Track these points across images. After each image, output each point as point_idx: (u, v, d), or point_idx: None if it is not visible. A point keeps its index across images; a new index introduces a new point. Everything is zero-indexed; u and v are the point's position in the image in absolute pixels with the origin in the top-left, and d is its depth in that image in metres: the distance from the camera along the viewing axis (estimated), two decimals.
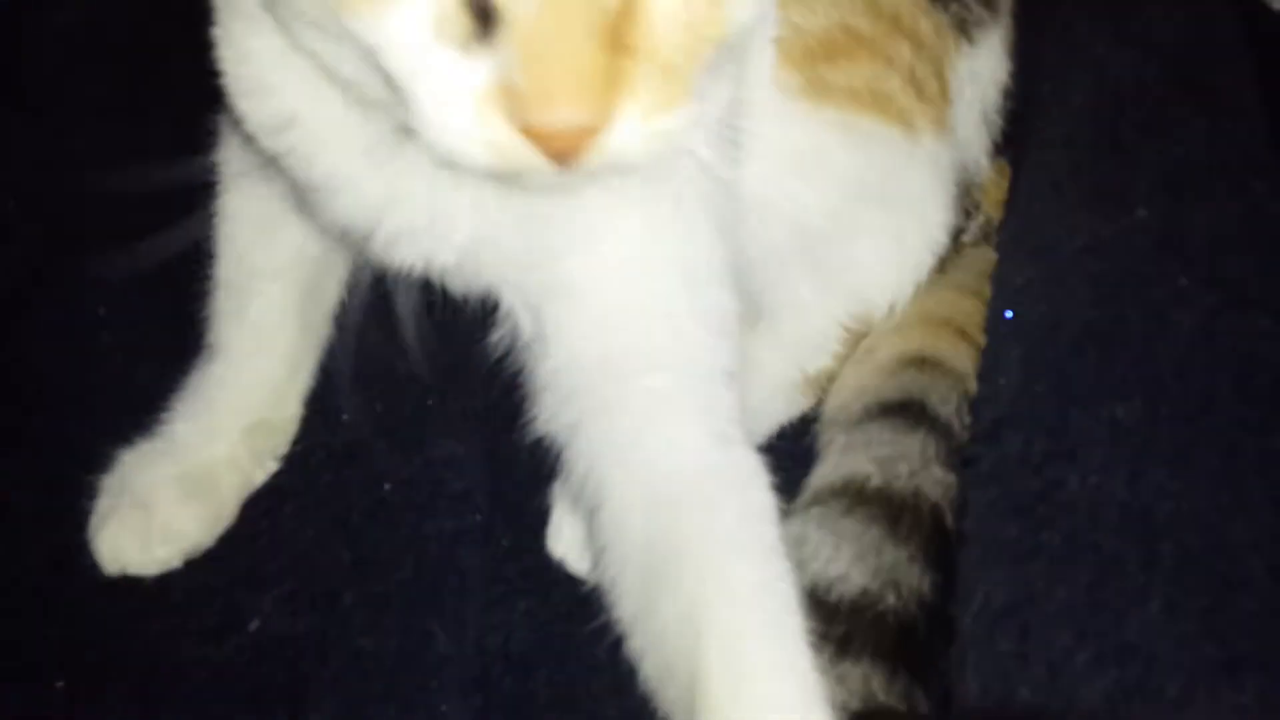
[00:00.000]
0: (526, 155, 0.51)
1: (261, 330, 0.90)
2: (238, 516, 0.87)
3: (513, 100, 0.50)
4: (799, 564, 0.74)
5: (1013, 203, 0.93)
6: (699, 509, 0.67)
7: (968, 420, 0.82)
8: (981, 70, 0.87)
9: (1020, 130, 0.95)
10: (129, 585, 0.83)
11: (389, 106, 0.56)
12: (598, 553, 0.72)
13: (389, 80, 0.53)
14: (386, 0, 0.51)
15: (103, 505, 0.84)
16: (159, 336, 0.93)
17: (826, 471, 0.82)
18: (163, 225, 0.91)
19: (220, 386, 0.89)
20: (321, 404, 0.91)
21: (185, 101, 0.86)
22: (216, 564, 0.84)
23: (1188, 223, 0.79)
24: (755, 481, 0.69)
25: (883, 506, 0.78)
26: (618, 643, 0.83)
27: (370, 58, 0.53)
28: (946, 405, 0.83)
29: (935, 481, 0.79)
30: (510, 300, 0.75)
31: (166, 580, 0.83)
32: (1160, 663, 0.64)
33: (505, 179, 0.56)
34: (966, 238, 0.92)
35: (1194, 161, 0.82)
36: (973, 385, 0.83)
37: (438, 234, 0.69)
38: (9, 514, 0.86)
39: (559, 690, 0.82)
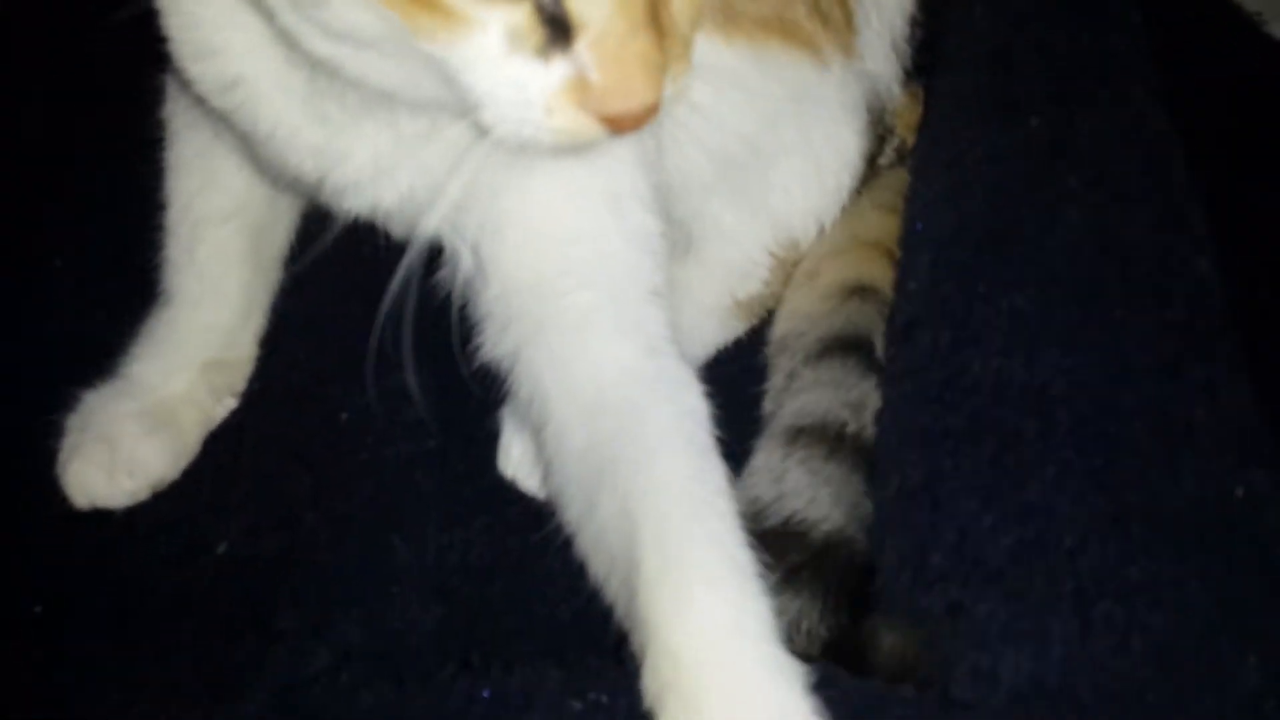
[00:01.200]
0: (593, 133, 0.58)
1: (211, 273, 0.94)
2: (201, 451, 0.90)
3: (588, 94, 0.57)
4: (779, 497, 0.80)
5: (924, 123, 0.98)
6: (632, 413, 0.72)
7: None
8: (887, 2, 0.92)
9: (930, 56, 1.01)
10: (99, 518, 0.86)
11: (442, 108, 0.62)
12: (545, 465, 0.77)
13: (463, 91, 0.58)
14: (467, 23, 0.56)
15: (68, 442, 0.87)
16: (113, 286, 0.97)
17: (800, 406, 0.86)
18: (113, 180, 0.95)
19: (175, 328, 0.93)
20: (278, 344, 0.96)
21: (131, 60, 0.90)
22: (182, 495, 0.88)
23: (1075, 129, 0.85)
24: (685, 387, 0.74)
25: (861, 454, 0.83)
26: (568, 551, 0.89)
27: (441, 73, 0.58)
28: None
29: None
30: (451, 239, 0.80)
31: (135, 512, 0.87)
32: (1057, 518, 0.69)
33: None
34: (883, 160, 0.97)
35: (1080, 73, 0.88)
36: None
37: (380, 183, 0.74)
38: None
39: (515, 597, 0.86)
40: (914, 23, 0.98)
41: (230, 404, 0.94)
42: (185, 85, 0.82)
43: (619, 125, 0.58)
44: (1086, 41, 0.90)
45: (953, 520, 0.72)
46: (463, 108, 0.60)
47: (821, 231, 0.96)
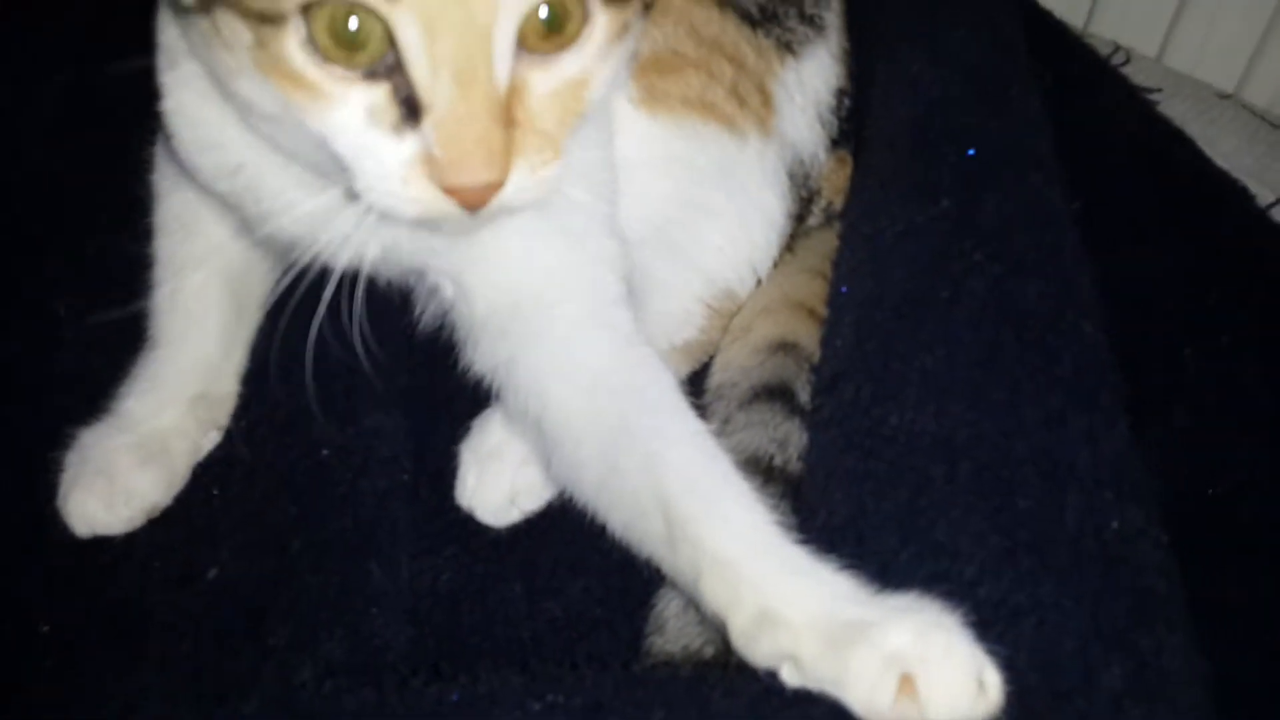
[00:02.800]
0: (444, 206, 0.69)
1: (193, 316, 1.01)
2: (192, 483, 0.97)
3: (434, 167, 0.67)
4: None
5: (850, 199, 1.10)
6: (630, 388, 0.86)
7: None
8: (810, 79, 1.05)
9: (858, 125, 1.13)
10: (98, 545, 0.93)
11: (334, 174, 0.73)
12: (549, 450, 0.90)
13: (335, 158, 0.69)
14: (331, 99, 0.67)
15: (68, 476, 0.94)
16: (111, 331, 1.02)
17: (735, 444, 0.96)
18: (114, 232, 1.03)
19: (162, 367, 1.00)
20: (261, 383, 1.04)
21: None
22: (175, 524, 0.95)
23: (980, 208, 0.96)
24: (659, 366, 0.89)
25: (788, 483, 0.94)
26: (529, 580, 0.99)
27: (320, 142, 0.69)
28: (805, 392, 1.00)
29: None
30: (433, 273, 0.91)
31: (132, 539, 0.94)
32: (961, 554, 0.80)
33: (426, 224, 0.74)
34: (812, 221, 1.09)
35: (986, 159, 1.00)
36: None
37: (364, 241, 0.84)
38: None
39: (480, 620, 0.96)
40: (841, 94, 1.11)
41: (215, 437, 1.01)
42: (173, 159, 0.92)
43: (463, 198, 0.68)
44: (992, 130, 1.02)
45: (875, 554, 0.82)
46: (340, 173, 0.71)
47: (758, 284, 1.07)
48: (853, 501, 0.86)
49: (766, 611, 0.75)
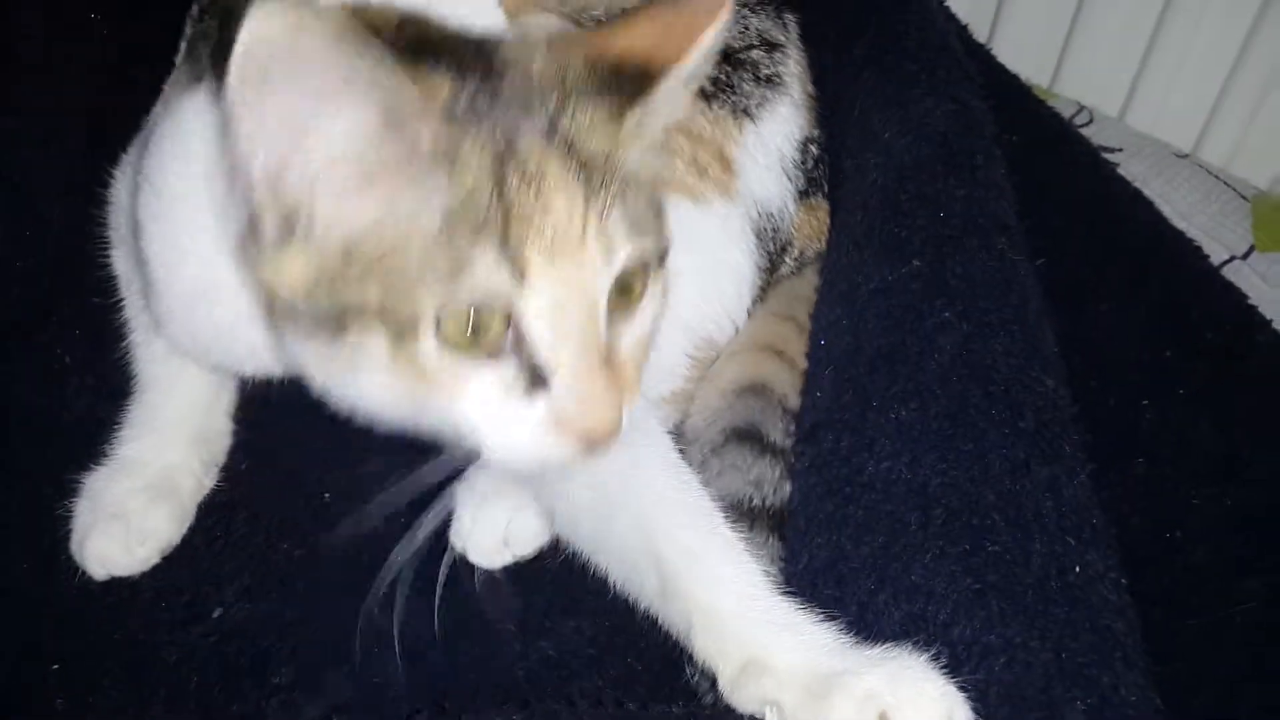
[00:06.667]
0: (572, 454, 0.75)
1: (172, 359, 1.05)
2: (197, 525, 1.01)
3: (565, 422, 0.73)
4: None
5: (827, 256, 1.16)
6: (621, 450, 0.86)
7: (792, 431, 1.05)
8: (772, 137, 1.11)
9: (833, 193, 1.19)
10: (107, 587, 0.97)
11: (437, 437, 0.79)
12: (544, 504, 0.96)
13: (460, 430, 0.75)
14: (465, 383, 0.73)
15: (81, 523, 0.98)
16: (117, 379, 1.07)
17: (713, 491, 0.97)
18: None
19: (156, 410, 1.04)
20: (264, 428, 1.08)
21: None
22: (182, 565, 0.99)
23: (949, 270, 1.02)
24: (649, 420, 0.94)
25: (771, 519, 0.99)
26: (523, 620, 1.02)
27: (445, 421, 0.75)
28: (776, 431, 1.05)
29: (785, 494, 1.02)
30: None
31: (139, 581, 0.98)
32: (934, 596, 0.85)
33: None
34: (784, 270, 1.15)
35: (955, 223, 1.06)
36: (791, 400, 1.06)
37: None
38: (2, 533, 0.99)
39: (476, 659, 0.99)
40: (807, 143, 1.16)
41: (215, 475, 1.05)
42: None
43: (590, 443, 0.74)
44: (960, 195, 1.07)
45: (854, 596, 0.88)
46: (463, 440, 0.76)
47: (736, 332, 1.13)
48: (832, 546, 0.92)
49: (752, 662, 0.81)
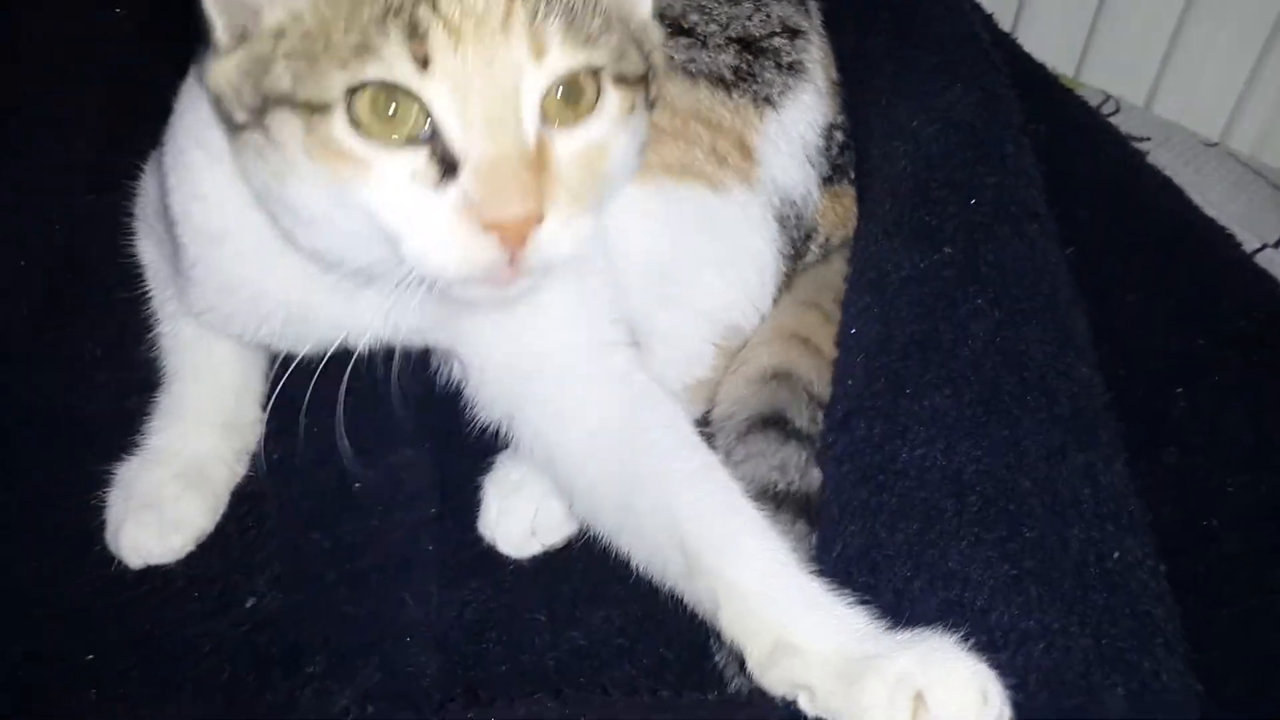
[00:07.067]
0: (488, 252, 0.74)
1: (199, 348, 1.06)
2: (228, 515, 1.01)
3: (473, 210, 0.73)
4: None
5: (855, 244, 1.16)
6: (637, 428, 0.93)
7: (818, 418, 1.04)
8: (794, 124, 1.10)
9: (860, 181, 1.19)
10: (140, 577, 0.97)
11: (378, 264, 0.78)
12: (565, 491, 0.96)
13: (382, 229, 0.75)
14: (376, 167, 0.73)
15: (115, 513, 0.98)
16: (143, 372, 1.08)
17: (739, 477, 0.97)
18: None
19: (184, 400, 1.05)
20: (293, 419, 1.07)
21: None
22: (213, 556, 0.99)
23: (981, 257, 1.02)
24: (667, 403, 0.95)
25: (796, 504, 0.99)
26: (552, 609, 1.02)
27: (368, 215, 0.74)
28: (802, 417, 1.05)
29: (812, 478, 1.01)
30: (438, 349, 0.99)
31: (171, 571, 0.98)
32: (971, 582, 0.84)
33: (467, 292, 0.78)
34: (810, 258, 1.14)
35: (986, 210, 1.05)
36: (817, 387, 1.06)
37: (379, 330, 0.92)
38: (35, 525, 1.00)
39: (507, 649, 0.99)
40: (831, 129, 1.16)
41: (246, 463, 1.05)
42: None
43: (504, 234, 0.73)
44: (991, 183, 1.07)
45: (889, 583, 0.87)
46: (388, 252, 0.76)
47: (761, 320, 1.12)
48: (867, 533, 0.91)
49: (781, 643, 0.80)
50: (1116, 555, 0.84)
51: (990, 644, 0.80)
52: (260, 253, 0.89)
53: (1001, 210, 1.06)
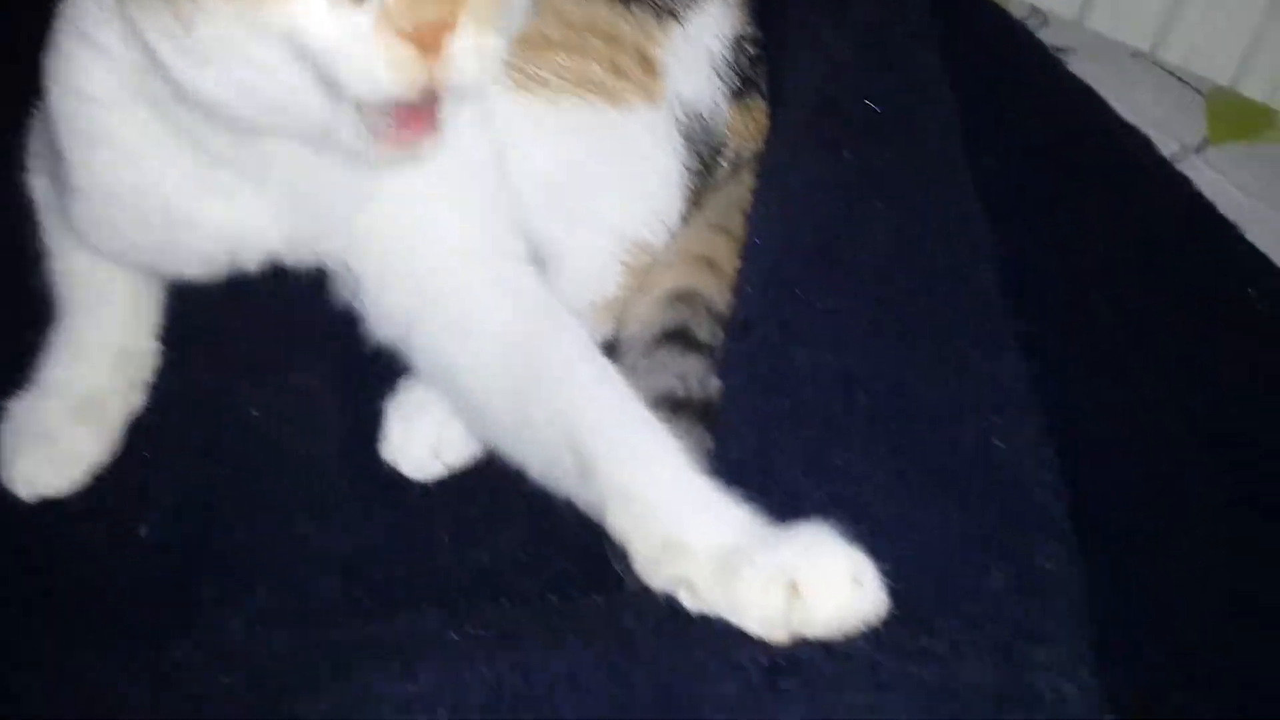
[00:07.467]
0: (412, 66, 0.73)
1: (92, 281, 1.03)
2: (122, 445, 0.99)
3: (390, 20, 0.72)
4: None
5: (764, 155, 1.14)
6: (535, 338, 0.91)
7: (718, 332, 1.03)
8: (700, 36, 1.08)
9: (773, 96, 1.17)
10: (29, 511, 0.95)
11: (286, 102, 0.76)
12: (462, 407, 0.95)
13: (304, 49, 0.73)
14: None
15: (7, 446, 0.96)
16: (38, 308, 1.05)
17: (642, 388, 0.97)
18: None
19: (77, 332, 1.02)
20: (189, 346, 1.06)
21: None
22: (107, 487, 0.97)
23: (881, 160, 1.01)
24: (566, 316, 0.93)
25: (695, 410, 0.98)
26: (458, 531, 1.01)
27: (285, 42, 0.73)
28: (703, 330, 1.04)
29: (711, 387, 1.00)
30: (332, 260, 0.96)
31: (64, 504, 0.96)
32: (857, 477, 0.84)
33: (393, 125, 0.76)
34: (720, 174, 1.12)
35: (888, 114, 1.04)
36: (719, 304, 1.04)
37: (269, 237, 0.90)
38: None
39: (409, 571, 0.98)
40: (741, 41, 1.14)
41: (142, 393, 1.03)
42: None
43: (421, 41, 0.72)
44: (893, 87, 1.06)
45: (779, 484, 0.86)
46: (302, 81, 0.74)
47: (671, 236, 1.11)
48: (760, 435, 0.90)
49: (668, 541, 0.79)
50: (1002, 445, 0.84)
51: (873, 534, 0.79)
52: (141, 150, 0.87)
53: (903, 114, 1.04)
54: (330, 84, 0.75)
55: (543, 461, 0.89)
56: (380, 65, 0.73)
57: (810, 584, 0.72)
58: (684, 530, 0.79)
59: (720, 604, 0.76)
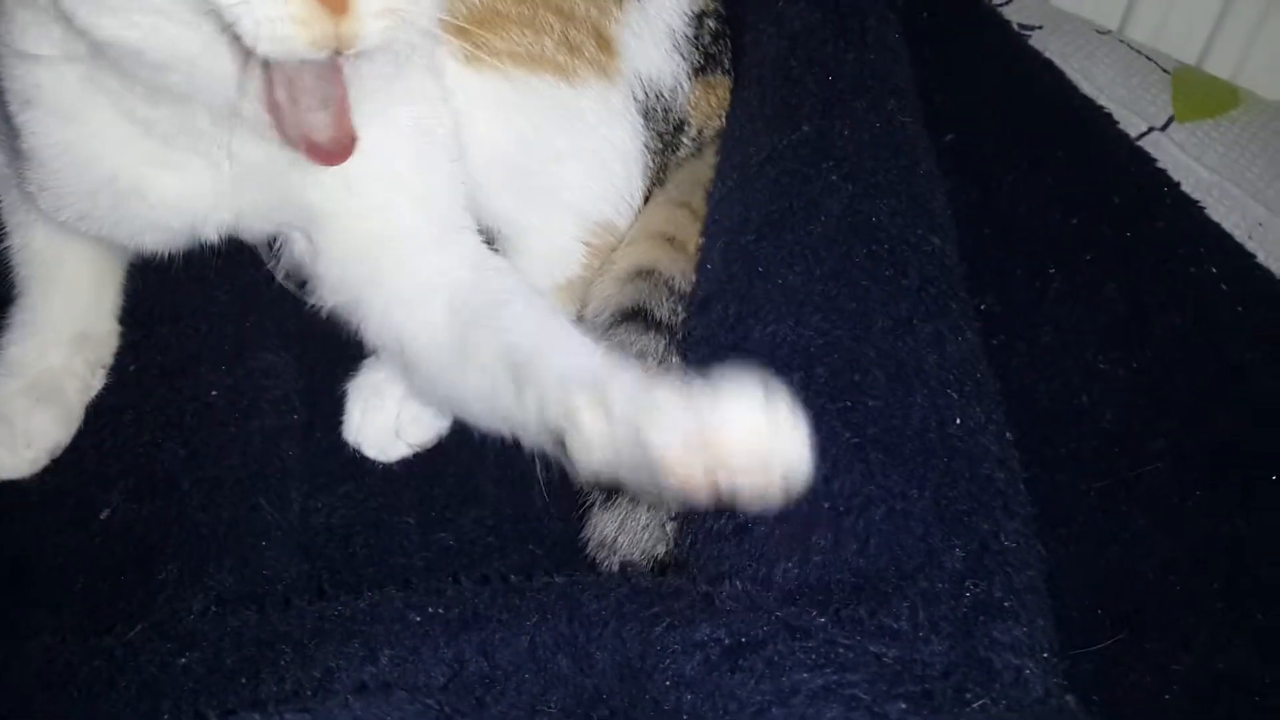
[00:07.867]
0: (319, 21, 0.71)
1: (51, 261, 1.03)
2: (83, 428, 1.00)
3: None
4: None
5: (725, 132, 1.14)
6: (481, 296, 0.91)
7: (678, 310, 1.03)
8: (659, 13, 1.08)
9: (735, 72, 1.17)
10: None
11: (215, 80, 0.76)
12: (411, 371, 0.94)
13: (210, 3, 0.71)
14: None
15: None
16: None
17: None
18: None
19: (37, 313, 1.02)
20: (150, 327, 1.06)
21: None
22: (67, 469, 0.98)
23: (838, 133, 1.00)
24: (517, 280, 0.94)
25: None
26: (422, 512, 1.01)
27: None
28: (662, 309, 1.04)
29: (671, 366, 1.00)
30: (284, 230, 0.97)
31: (24, 486, 0.96)
32: (817, 455, 0.83)
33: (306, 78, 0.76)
34: (683, 152, 1.12)
35: (844, 86, 1.04)
36: (679, 282, 1.05)
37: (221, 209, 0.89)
38: None
39: (373, 552, 0.99)
40: (703, 17, 1.13)
41: (102, 376, 1.03)
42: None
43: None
44: (850, 59, 1.05)
45: None
46: (211, 39, 0.73)
47: (634, 215, 1.10)
48: None
49: (594, 384, 0.77)
50: (959, 421, 0.84)
51: (833, 509, 0.80)
52: (79, 112, 0.86)
53: (860, 86, 1.04)
54: (234, 39, 0.73)
55: (483, 392, 0.88)
56: (285, 19, 0.71)
57: (723, 405, 0.72)
58: (611, 376, 0.77)
59: (635, 426, 0.73)
